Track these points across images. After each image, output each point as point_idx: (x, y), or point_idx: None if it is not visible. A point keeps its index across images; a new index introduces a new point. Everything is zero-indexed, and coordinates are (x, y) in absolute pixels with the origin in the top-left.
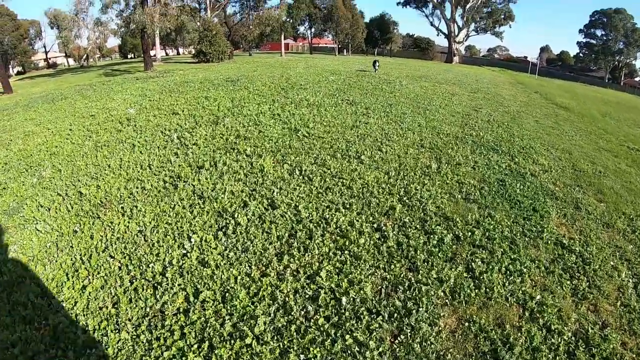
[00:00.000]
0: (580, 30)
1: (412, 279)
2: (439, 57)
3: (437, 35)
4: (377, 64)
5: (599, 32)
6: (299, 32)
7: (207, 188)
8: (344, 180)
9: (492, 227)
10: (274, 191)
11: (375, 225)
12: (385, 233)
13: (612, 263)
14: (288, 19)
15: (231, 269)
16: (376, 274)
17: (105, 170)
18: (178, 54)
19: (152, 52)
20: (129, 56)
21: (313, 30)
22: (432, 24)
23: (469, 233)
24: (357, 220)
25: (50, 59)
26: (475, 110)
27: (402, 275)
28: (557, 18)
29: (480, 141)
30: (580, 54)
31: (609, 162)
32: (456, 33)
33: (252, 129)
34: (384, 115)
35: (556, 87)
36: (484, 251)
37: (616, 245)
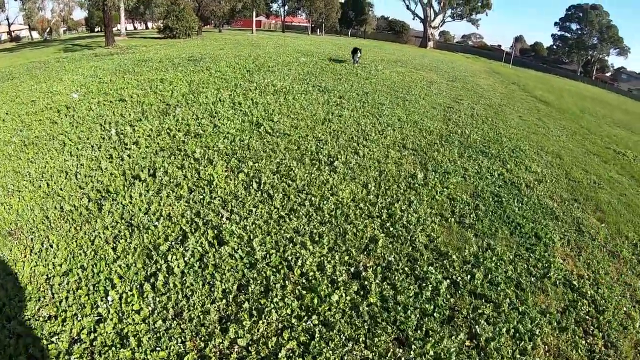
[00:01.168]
0: (556, 23)
1: (403, 358)
2: (413, 41)
3: (413, 19)
4: (359, 54)
5: (574, 26)
6: (272, 10)
7: (139, 210)
8: (313, 198)
9: (494, 265)
10: (222, 216)
11: (352, 270)
12: (366, 282)
13: (625, 309)
14: None
15: (157, 349)
16: (354, 351)
17: (24, 180)
18: (146, 28)
19: (119, 26)
20: (96, 29)
21: (286, 8)
22: (408, 8)
23: (468, 276)
24: (329, 262)
25: (13, 32)
26: (456, 102)
27: (389, 354)
28: (532, 9)
29: (467, 141)
30: (554, 46)
31: (600, 169)
32: (432, 18)
33: (207, 122)
34: (359, 106)
35: (532, 79)
36: (487, 305)
37: (625, 281)
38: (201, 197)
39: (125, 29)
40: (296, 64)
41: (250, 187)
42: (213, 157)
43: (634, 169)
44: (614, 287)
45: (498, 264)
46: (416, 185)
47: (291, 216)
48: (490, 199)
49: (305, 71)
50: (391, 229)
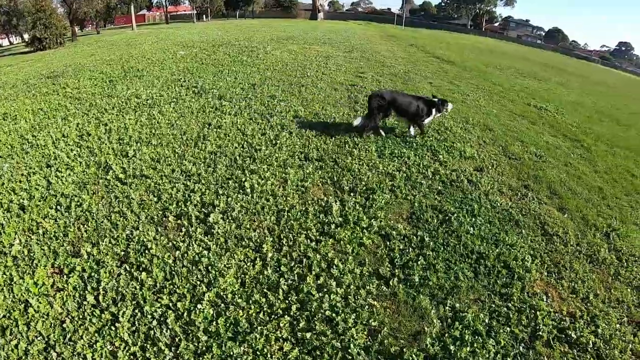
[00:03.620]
0: None
1: None
2: (304, 15)
3: None
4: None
5: None
6: (153, 1)
7: None
8: (180, 305)
9: (469, 350)
10: None
11: None
12: None
13: (630, 348)
14: None
15: None
16: None
17: None
18: (23, 41)
19: None
20: None
21: None
22: None
23: None
24: None
25: None
26: (359, 76)
27: None
28: None
29: (383, 130)
30: (443, 3)
31: (533, 134)
32: None
33: (39, 179)
34: (245, 107)
35: (428, 38)
36: None
37: (617, 298)
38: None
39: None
40: (172, 61)
41: (85, 303)
42: (35, 253)
43: (562, 126)
44: (610, 316)
45: (475, 344)
46: (332, 226)
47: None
48: (435, 220)
49: (181, 68)
50: (307, 335)
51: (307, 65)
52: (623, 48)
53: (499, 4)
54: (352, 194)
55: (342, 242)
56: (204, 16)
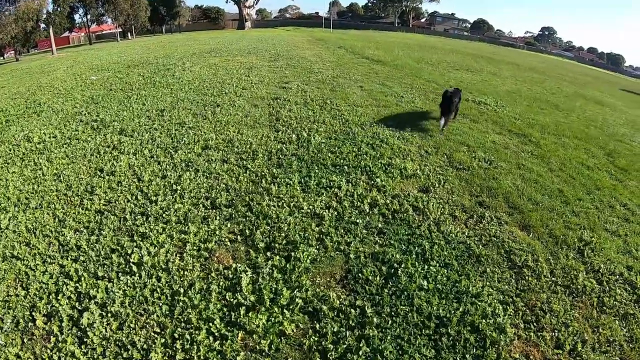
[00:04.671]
0: None
1: None
2: (231, 25)
3: (227, 2)
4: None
5: None
6: (75, 22)
7: None
8: None
9: None
10: None
11: None
12: None
13: None
14: (56, 8)
15: None
16: None
17: None
18: None
19: None
20: None
21: (89, 17)
22: None
23: None
24: None
25: None
26: (283, 87)
27: None
28: None
29: (308, 152)
30: (370, 3)
31: (477, 135)
32: None
33: None
34: (147, 141)
35: (356, 38)
36: None
37: (607, 338)
38: None
39: None
40: (80, 88)
41: None
42: None
43: (505, 120)
44: None
45: None
46: (242, 311)
47: None
48: (378, 278)
49: (87, 97)
50: None
51: (226, 80)
52: (547, 32)
53: (424, 1)
54: (268, 252)
55: (255, 334)
56: (129, 34)
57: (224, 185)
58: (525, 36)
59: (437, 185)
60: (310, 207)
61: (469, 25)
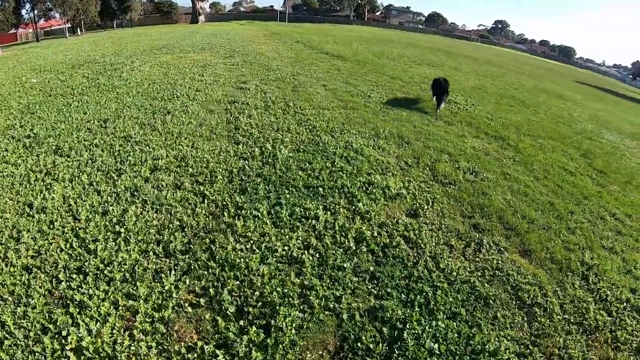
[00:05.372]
0: None
1: None
2: (185, 19)
3: None
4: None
5: None
6: (23, 18)
7: None
8: None
9: None
10: None
11: None
12: None
13: None
14: (1, 3)
15: None
16: None
17: None
18: None
19: None
20: None
21: (36, 12)
22: None
23: None
24: None
25: None
26: (240, 88)
27: None
28: None
29: (275, 175)
30: None
31: (456, 140)
32: None
33: None
34: (86, 162)
35: (313, 32)
36: None
37: None
38: None
39: None
40: (17, 95)
41: None
42: None
43: (478, 121)
44: None
45: None
46: None
47: None
48: (380, 346)
49: (23, 106)
50: None
51: (178, 80)
52: (500, 26)
53: None
54: (241, 320)
55: None
56: (79, 29)
57: (177, 223)
58: (478, 29)
59: (425, 206)
60: (286, 247)
61: (424, 19)
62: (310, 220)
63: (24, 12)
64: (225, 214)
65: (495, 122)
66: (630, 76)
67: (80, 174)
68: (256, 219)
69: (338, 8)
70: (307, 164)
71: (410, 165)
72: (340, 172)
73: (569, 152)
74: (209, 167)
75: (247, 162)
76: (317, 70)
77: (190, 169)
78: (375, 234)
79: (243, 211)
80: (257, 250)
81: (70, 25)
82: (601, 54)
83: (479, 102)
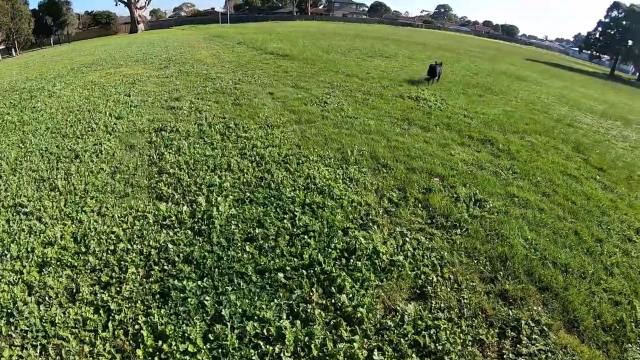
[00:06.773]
0: None
1: None
2: (124, 29)
3: (116, 5)
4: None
5: None
6: None
7: None
8: None
9: None
10: None
11: None
12: None
13: None
14: None
15: None
16: None
17: None
18: None
19: None
20: None
21: None
22: None
23: None
24: None
25: None
26: (171, 107)
27: None
28: None
29: (212, 257)
30: None
31: (435, 149)
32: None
33: None
34: None
35: (256, 31)
36: None
37: None
38: None
39: None
40: None
41: None
42: None
43: (456, 122)
44: None
45: None
46: None
47: None
48: None
49: None
50: None
51: (100, 105)
52: (442, 10)
53: None
54: None
55: None
56: (13, 50)
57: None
58: (422, 15)
59: (432, 276)
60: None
61: (367, 9)
62: (272, 346)
63: None
64: (139, 351)
65: (475, 121)
66: (576, 49)
67: None
68: (187, 356)
69: (281, 5)
70: (257, 228)
71: (396, 204)
72: (305, 237)
73: (561, 149)
74: (117, 252)
75: (170, 233)
76: (261, 74)
77: (92, 259)
78: (376, 356)
79: (165, 344)
80: None
81: (4, 47)
82: (543, 30)
83: (448, 96)
